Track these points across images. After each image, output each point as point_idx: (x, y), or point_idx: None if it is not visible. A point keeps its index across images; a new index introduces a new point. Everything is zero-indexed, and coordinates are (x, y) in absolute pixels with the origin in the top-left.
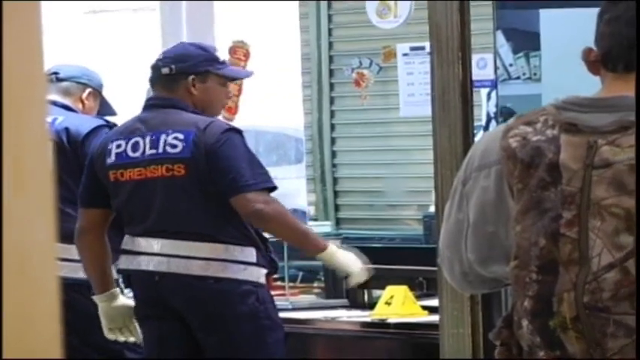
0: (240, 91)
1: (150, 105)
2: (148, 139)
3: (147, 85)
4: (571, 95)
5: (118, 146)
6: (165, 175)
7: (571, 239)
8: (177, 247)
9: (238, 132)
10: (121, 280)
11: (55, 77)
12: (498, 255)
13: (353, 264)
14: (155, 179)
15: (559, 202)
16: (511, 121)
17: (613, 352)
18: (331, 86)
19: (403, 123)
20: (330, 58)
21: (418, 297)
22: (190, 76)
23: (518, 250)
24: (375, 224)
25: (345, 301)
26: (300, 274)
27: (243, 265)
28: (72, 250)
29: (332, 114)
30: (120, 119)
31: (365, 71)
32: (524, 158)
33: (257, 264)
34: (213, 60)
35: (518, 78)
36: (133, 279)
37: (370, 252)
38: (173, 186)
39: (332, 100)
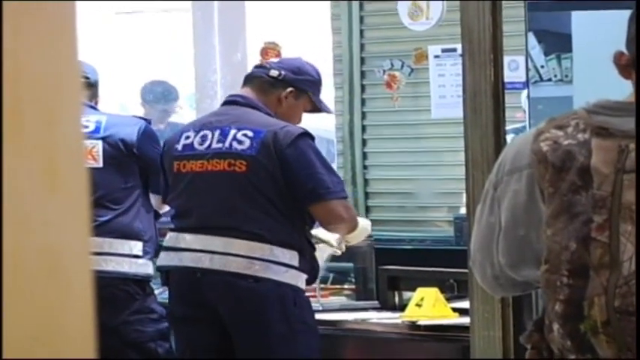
0: None
1: (228, 101)
2: (217, 133)
3: (178, 84)
4: (602, 99)
5: (187, 137)
6: (227, 170)
7: (602, 243)
8: (223, 244)
9: (311, 137)
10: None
11: (87, 82)
12: (529, 259)
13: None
14: (216, 173)
15: (590, 207)
16: (542, 124)
17: None
18: (362, 88)
19: (434, 125)
20: (362, 60)
21: (449, 299)
22: (290, 88)
23: (549, 254)
24: (405, 226)
25: (375, 303)
26: (331, 275)
27: (285, 268)
28: (117, 244)
29: (363, 115)
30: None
31: (396, 73)
32: (556, 162)
33: (298, 268)
34: (317, 86)
35: (549, 80)
36: (172, 276)
37: (401, 254)
38: (232, 182)
39: (363, 102)
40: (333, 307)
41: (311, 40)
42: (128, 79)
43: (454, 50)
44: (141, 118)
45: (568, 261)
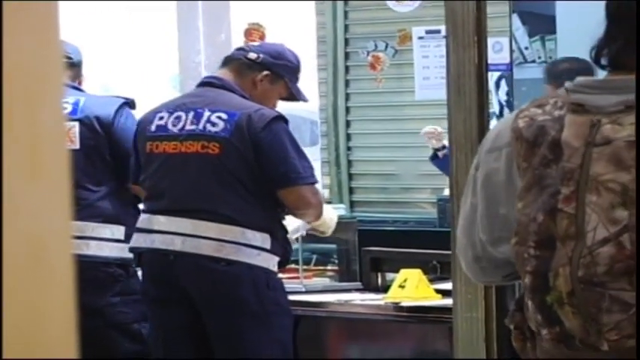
0: None
1: (203, 83)
2: (191, 115)
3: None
4: (583, 78)
5: (161, 118)
6: (200, 152)
7: (568, 214)
8: (194, 227)
9: (285, 121)
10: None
11: (69, 62)
12: (510, 236)
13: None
14: (189, 155)
15: (558, 179)
16: (525, 105)
17: (608, 327)
18: (346, 69)
19: (418, 106)
20: (346, 41)
21: (432, 280)
22: (266, 71)
23: (518, 226)
24: (389, 207)
25: (358, 284)
26: (314, 257)
27: (257, 251)
28: (99, 229)
29: (347, 97)
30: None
31: (380, 54)
32: (529, 137)
33: (270, 251)
34: (295, 73)
35: (533, 61)
36: (145, 258)
37: (384, 235)
38: (204, 164)
39: (347, 83)
40: (316, 289)
41: (295, 21)
42: (111, 60)
43: (438, 32)
44: (123, 98)
45: (535, 232)
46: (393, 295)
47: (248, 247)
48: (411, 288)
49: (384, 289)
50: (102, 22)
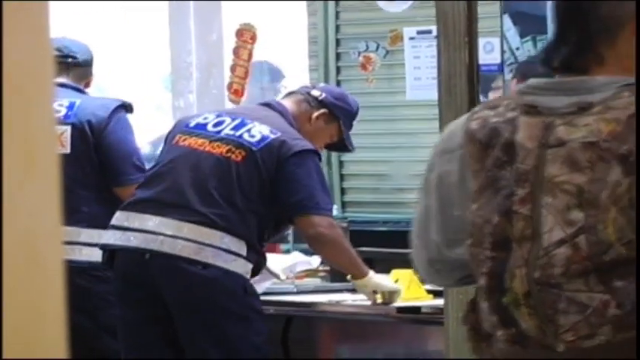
0: (247, 74)
1: (264, 103)
2: (236, 122)
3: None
4: (535, 79)
5: (205, 118)
6: (223, 155)
7: (523, 216)
8: (174, 227)
9: (319, 157)
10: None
11: (74, 62)
12: (464, 238)
13: (391, 283)
14: (210, 155)
15: (513, 180)
16: (477, 107)
17: (565, 328)
18: (338, 69)
19: (409, 106)
20: (337, 42)
21: (423, 281)
22: (325, 110)
23: (473, 228)
24: (380, 208)
25: (349, 285)
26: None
27: (234, 256)
28: (87, 234)
29: None
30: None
31: (372, 55)
32: (482, 139)
33: (246, 258)
34: (350, 118)
35: None
36: (119, 256)
37: (375, 235)
38: (220, 168)
39: (338, 83)
40: (307, 289)
41: (286, 22)
42: (105, 60)
43: (429, 32)
44: (120, 101)
45: (491, 234)
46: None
47: (226, 252)
48: (403, 288)
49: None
50: (97, 22)
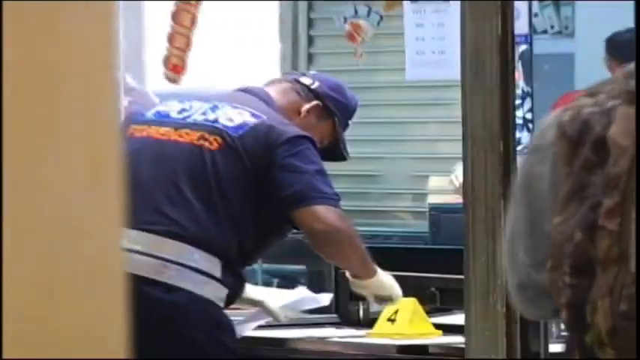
0: (188, 44)
1: (238, 88)
2: (206, 106)
3: None
4: None
5: (166, 104)
6: (193, 144)
7: (610, 232)
8: (131, 238)
9: (314, 143)
10: None
11: None
12: None
13: (396, 288)
14: (176, 144)
15: (601, 188)
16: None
17: None
18: (310, 40)
19: (409, 88)
20: (310, 5)
21: (430, 312)
22: (319, 103)
23: (552, 247)
24: (366, 218)
25: (334, 317)
26: (276, 280)
27: (205, 278)
28: None
29: None
30: None
31: (361, 22)
32: (573, 134)
33: (220, 280)
34: (347, 116)
35: (544, 32)
36: None
37: None
38: (189, 157)
39: (310, 58)
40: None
41: None
42: None
43: None
44: None
45: (571, 255)
46: (381, 331)
47: (195, 271)
48: (404, 322)
49: (368, 323)
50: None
